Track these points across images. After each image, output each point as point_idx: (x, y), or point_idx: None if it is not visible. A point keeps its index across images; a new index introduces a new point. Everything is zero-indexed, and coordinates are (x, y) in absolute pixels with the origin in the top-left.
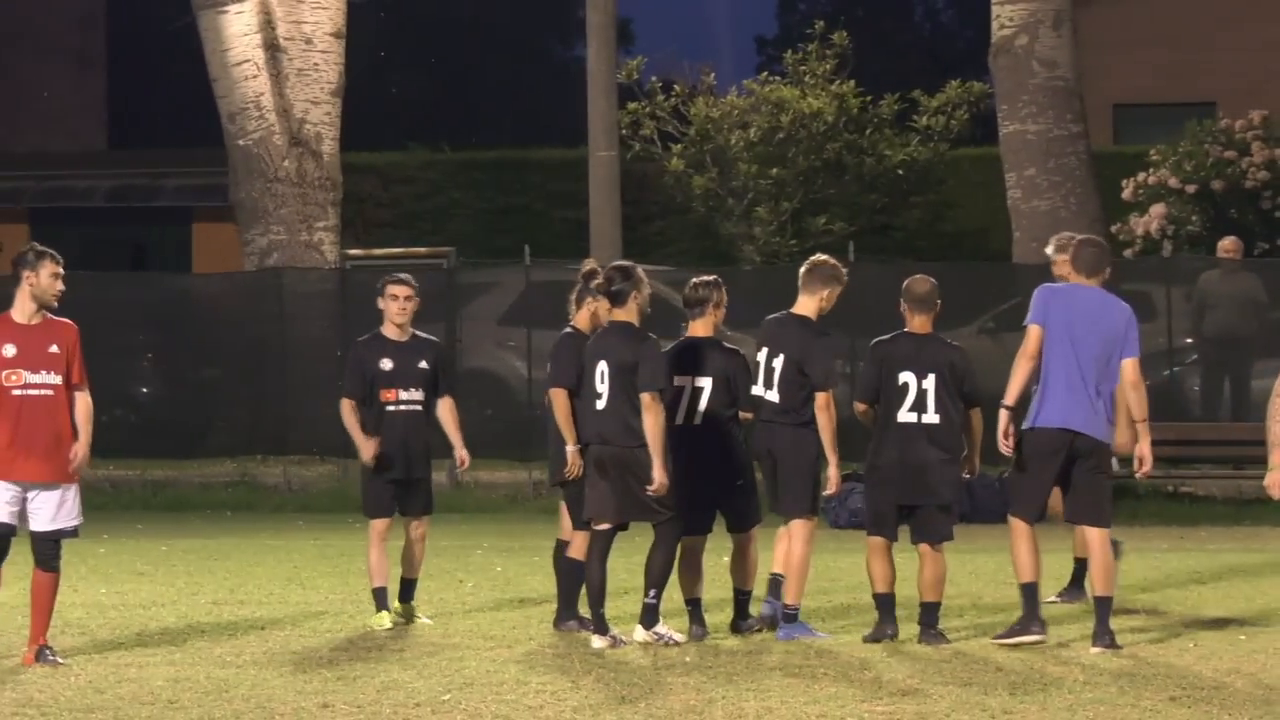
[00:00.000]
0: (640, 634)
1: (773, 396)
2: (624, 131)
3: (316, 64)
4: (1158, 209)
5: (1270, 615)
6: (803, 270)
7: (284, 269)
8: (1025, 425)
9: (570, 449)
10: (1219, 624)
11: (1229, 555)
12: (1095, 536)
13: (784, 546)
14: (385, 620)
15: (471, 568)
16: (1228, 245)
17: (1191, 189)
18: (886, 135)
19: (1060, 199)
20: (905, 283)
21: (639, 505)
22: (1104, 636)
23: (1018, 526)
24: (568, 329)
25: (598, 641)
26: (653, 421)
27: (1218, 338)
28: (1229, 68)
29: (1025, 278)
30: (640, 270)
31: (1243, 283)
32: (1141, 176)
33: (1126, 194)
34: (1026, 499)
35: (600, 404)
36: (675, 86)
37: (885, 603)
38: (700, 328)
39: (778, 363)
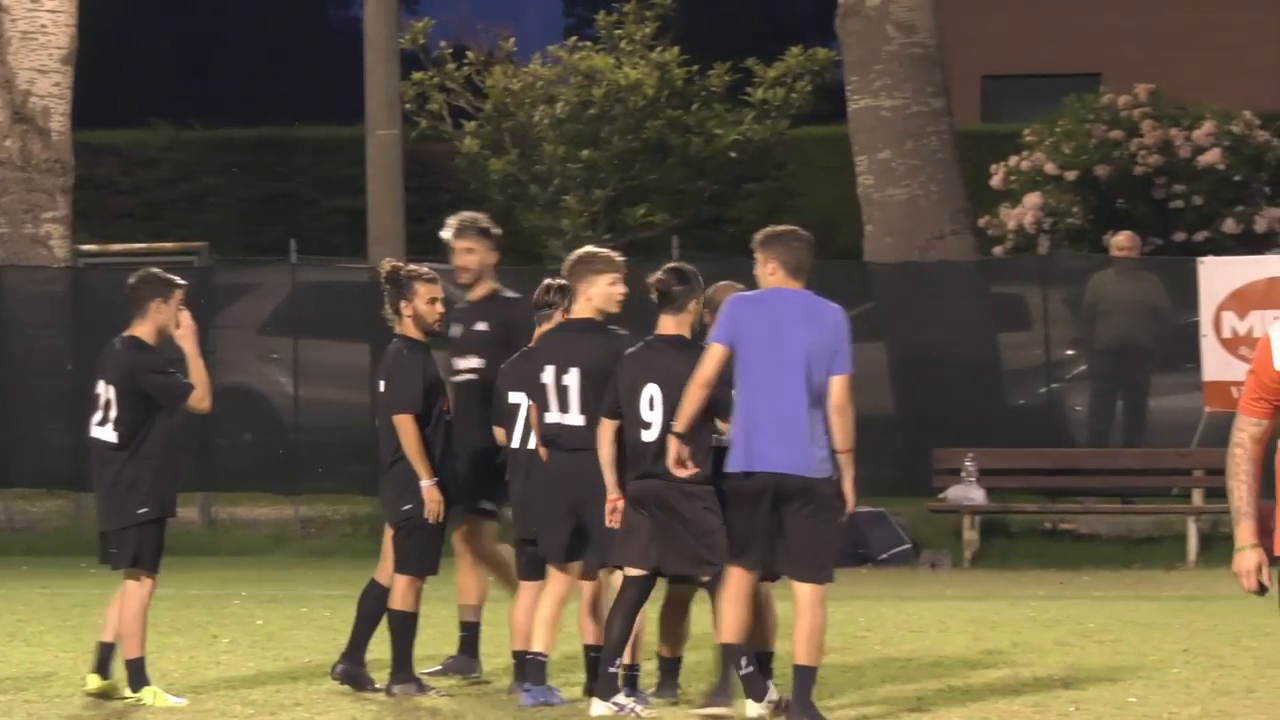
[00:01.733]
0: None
1: (573, 419)
2: (408, 106)
3: (44, 25)
4: (1033, 198)
5: (1164, 673)
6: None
7: (4, 267)
8: (726, 468)
9: (426, 484)
10: (1105, 685)
11: (1117, 603)
12: (806, 594)
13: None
14: None
15: (227, 621)
16: (1123, 242)
17: (1072, 175)
18: (717, 111)
19: (919, 186)
20: (709, 290)
21: (683, 554)
22: (801, 715)
23: (732, 575)
24: (402, 339)
25: (599, 707)
26: None
27: (1111, 349)
28: (1115, 35)
29: (880, 278)
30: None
31: (1141, 285)
32: (1014, 160)
33: (996, 181)
34: (741, 548)
35: (648, 434)
36: (469, 53)
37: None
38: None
39: (571, 379)
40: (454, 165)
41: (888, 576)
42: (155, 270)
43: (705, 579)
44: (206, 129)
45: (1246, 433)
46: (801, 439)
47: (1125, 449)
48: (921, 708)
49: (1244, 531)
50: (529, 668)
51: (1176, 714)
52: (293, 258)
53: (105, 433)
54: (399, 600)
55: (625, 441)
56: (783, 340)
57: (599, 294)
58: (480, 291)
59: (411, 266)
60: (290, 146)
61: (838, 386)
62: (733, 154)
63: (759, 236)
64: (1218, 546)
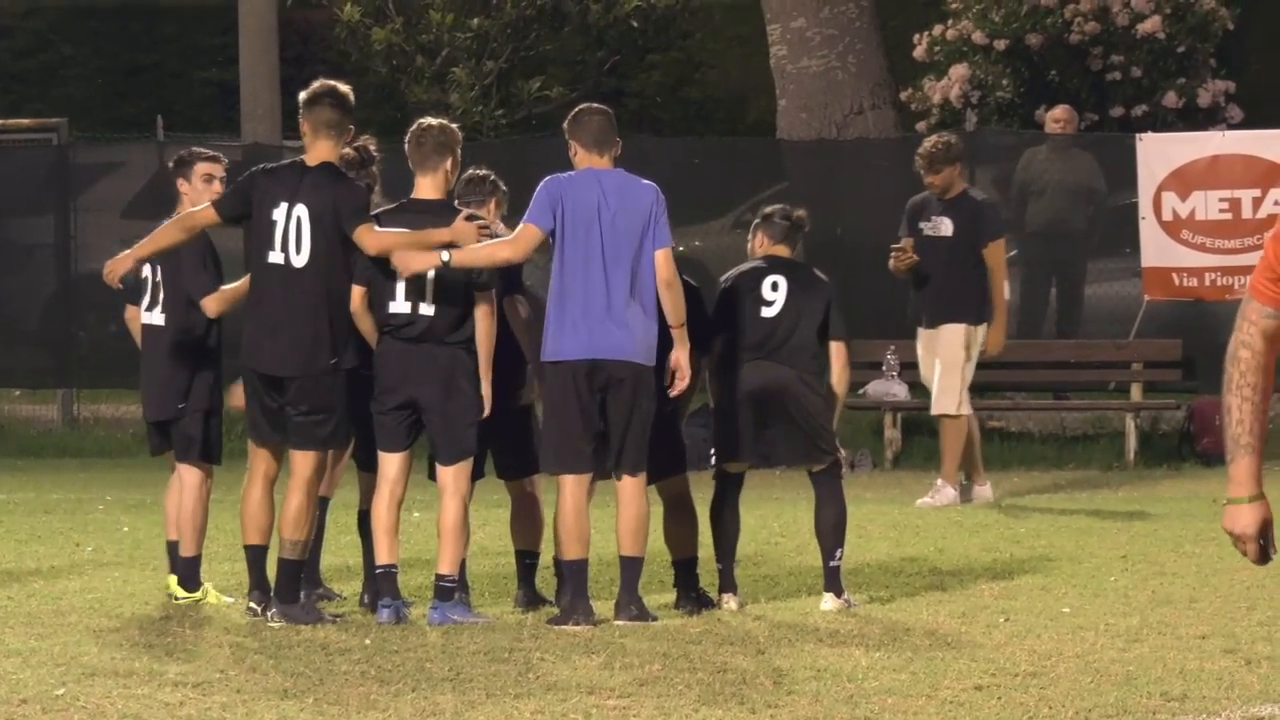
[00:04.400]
0: (830, 603)
1: (427, 309)
2: None
3: None
4: (959, 70)
5: (1101, 582)
6: (411, 141)
7: None
8: (543, 357)
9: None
10: (1037, 595)
11: (1050, 506)
12: (628, 487)
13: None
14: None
15: (91, 527)
16: (1059, 114)
17: (1001, 45)
18: None
19: (836, 58)
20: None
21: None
22: (629, 607)
23: (565, 484)
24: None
25: (732, 602)
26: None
27: (1044, 232)
28: None
29: (794, 156)
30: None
31: (1076, 164)
32: (938, 29)
33: (920, 52)
34: (566, 449)
35: None
36: None
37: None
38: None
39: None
40: (333, 34)
41: (802, 479)
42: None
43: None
44: None
45: (1258, 327)
46: (631, 325)
47: (1059, 340)
48: (839, 619)
49: (1241, 473)
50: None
51: (1114, 625)
52: (159, 135)
53: (154, 316)
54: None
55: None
56: (598, 221)
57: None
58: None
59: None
60: (155, 14)
61: (662, 260)
62: (634, 22)
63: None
64: (1158, 445)
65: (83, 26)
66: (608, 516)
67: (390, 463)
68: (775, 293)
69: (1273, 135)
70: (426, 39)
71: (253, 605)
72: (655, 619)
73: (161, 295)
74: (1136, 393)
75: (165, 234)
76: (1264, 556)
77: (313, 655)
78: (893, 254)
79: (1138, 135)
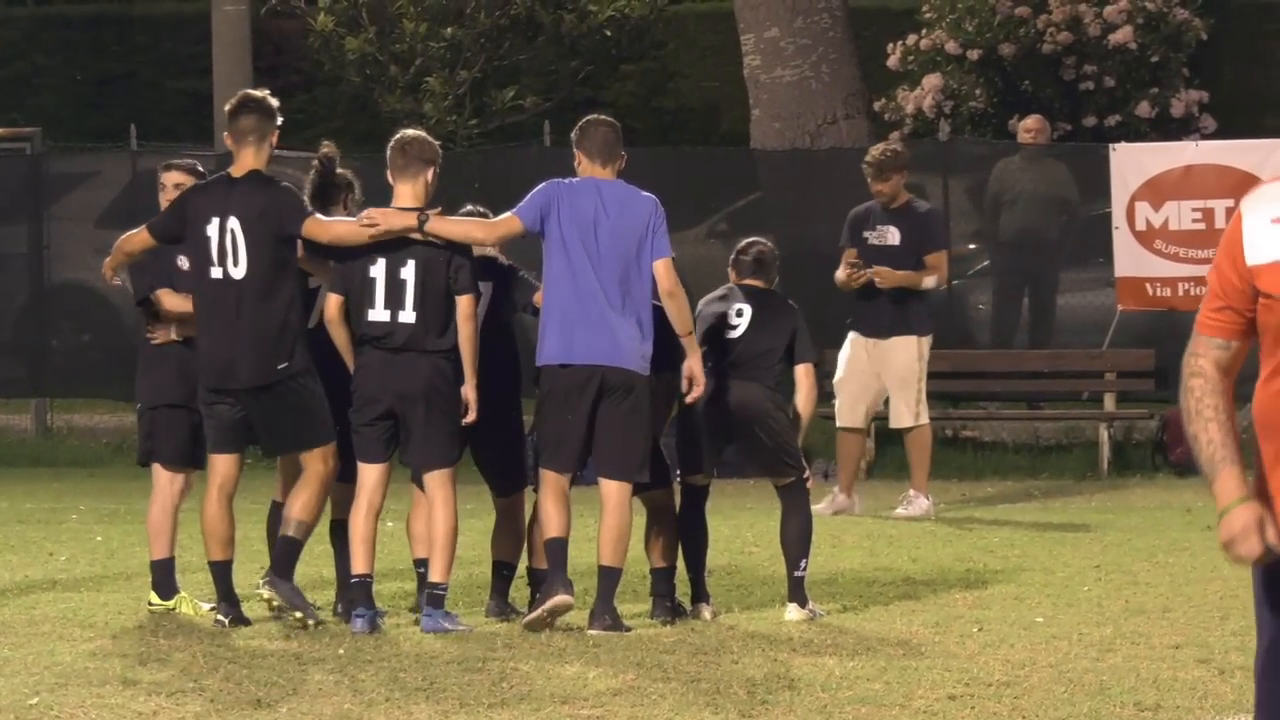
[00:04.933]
0: (794, 613)
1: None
2: None
3: None
4: (932, 80)
5: (1074, 591)
6: (394, 149)
7: None
8: (538, 361)
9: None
10: (1010, 604)
11: (1024, 516)
12: (613, 494)
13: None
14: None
15: (64, 537)
16: (1031, 124)
17: (974, 55)
18: None
19: (809, 68)
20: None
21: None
22: (604, 617)
23: (547, 479)
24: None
25: (706, 612)
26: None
27: (1016, 242)
28: None
29: (767, 166)
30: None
31: (1048, 173)
32: (912, 39)
33: (893, 61)
34: (554, 447)
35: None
36: None
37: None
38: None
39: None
40: (307, 44)
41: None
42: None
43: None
44: (37, 4)
45: (1208, 358)
46: (628, 331)
47: (1032, 350)
48: (813, 629)
49: (1226, 482)
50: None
51: (1087, 635)
52: (133, 144)
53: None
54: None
55: None
56: (594, 229)
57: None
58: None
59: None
60: (129, 23)
61: (661, 272)
62: (608, 32)
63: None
64: (1131, 454)
65: (56, 36)
66: (584, 525)
67: (369, 473)
68: (740, 318)
69: (1246, 145)
70: (400, 48)
71: (220, 618)
72: (629, 629)
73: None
74: (1110, 402)
75: (118, 257)
76: (1266, 550)
77: (286, 665)
78: (846, 266)
79: (1111, 145)
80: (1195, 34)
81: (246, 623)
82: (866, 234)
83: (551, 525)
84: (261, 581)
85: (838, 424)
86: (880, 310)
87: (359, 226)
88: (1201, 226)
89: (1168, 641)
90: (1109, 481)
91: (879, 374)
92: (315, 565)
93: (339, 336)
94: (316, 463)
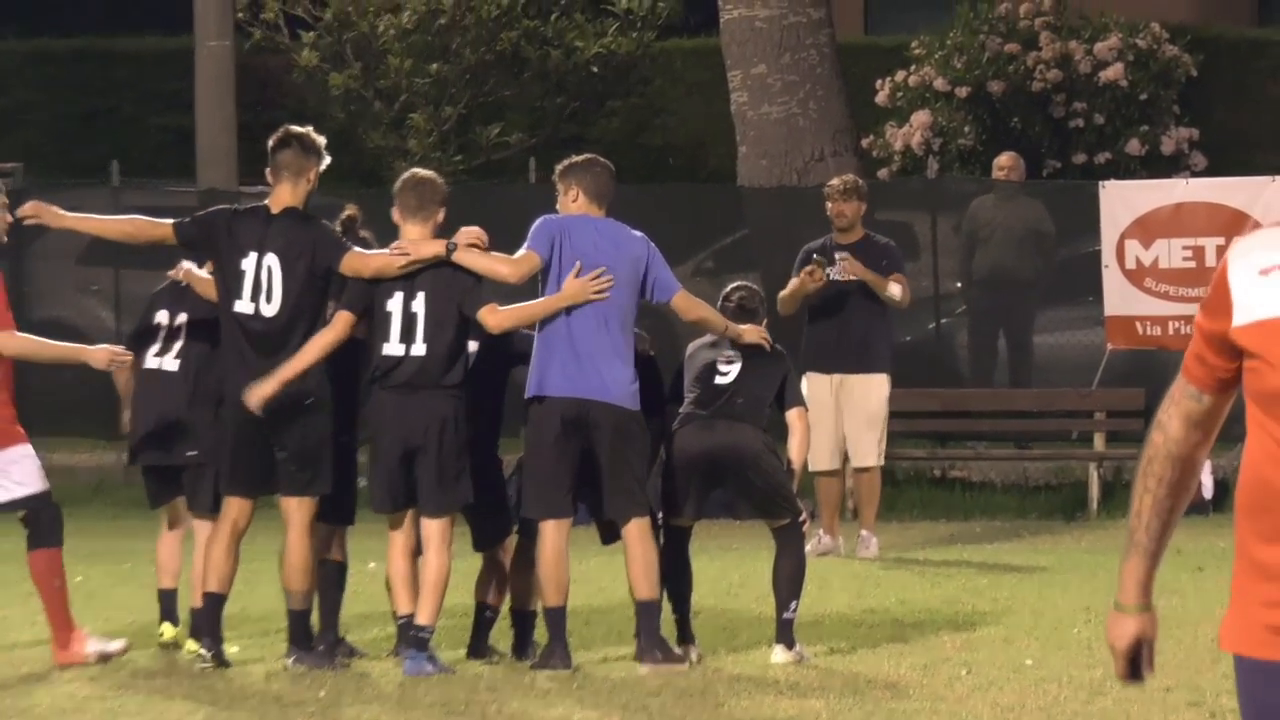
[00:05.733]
0: (781, 655)
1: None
2: (240, 15)
3: None
4: (921, 117)
5: (1064, 633)
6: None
7: None
8: (527, 393)
9: None
10: (999, 647)
11: (1012, 557)
12: (633, 531)
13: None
14: None
15: None
16: (1003, 162)
17: (963, 92)
18: (577, 21)
19: (797, 104)
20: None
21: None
22: (654, 652)
23: (545, 531)
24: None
25: (691, 653)
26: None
27: (990, 279)
28: None
29: (754, 203)
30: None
31: (1023, 210)
32: (901, 75)
33: (882, 98)
34: (547, 491)
35: None
36: None
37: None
38: None
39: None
40: (291, 80)
41: (763, 528)
42: None
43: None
44: (19, 39)
45: (1178, 410)
46: (619, 367)
47: (1021, 390)
48: (799, 671)
49: (1131, 575)
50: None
51: (1077, 677)
52: (115, 180)
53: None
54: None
55: None
56: (591, 265)
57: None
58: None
59: None
60: (112, 58)
61: (682, 306)
62: (594, 68)
63: (558, 169)
64: (1121, 495)
65: (38, 71)
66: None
67: (397, 519)
68: (730, 365)
69: (1237, 183)
70: (385, 84)
71: (203, 652)
72: (684, 660)
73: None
74: (1099, 442)
75: (117, 224)
76: (1134, 674)
77: (267, 707)
78: (804, 274)
79: (1101, 182)
80: (1185, 71)
81: (227, 664)
82: (828, 270)
83: (551, 589)
84: (290, 662)
85: (811, 468)
86: (846, 344)
87: (392, 258)
88: (1192, 265)
89: (1159, 684)
90: (1098, 522)
91: (843, 410)
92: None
93: (334, 347)
94: (300, 513)
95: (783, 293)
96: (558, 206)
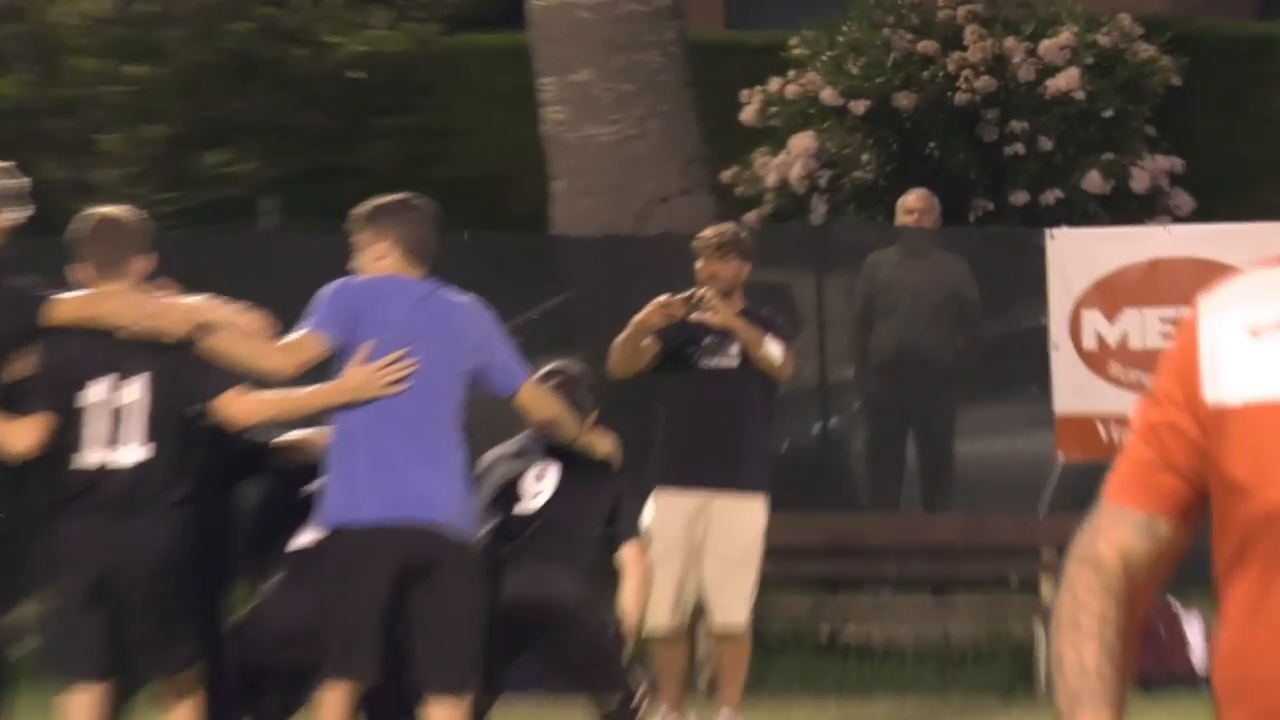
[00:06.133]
0: None
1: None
2: None
3: None
4: (802, 141)
5: None
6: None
7: None
8: (319, 522)
9: None
10: None
11: None
12: (441, 716)
13: None
14: None
15: None
16: (913, 203)
17: (860, 107)
18: (330, 9)
19: (633, 123)
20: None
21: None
22: None
23: (326, 700)
24: None
25: None
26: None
27: (895, 363)
28: None
29: (575, 258)
30: None
31: (940, 269)
32: (775, 85)
33: (749, 114)
34: (343, 645)
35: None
36: None
37: None
38: None
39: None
40: None
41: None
42: None
43: None
44: None
45: (1112, 540)
46: (445, 478)
47: (939, 516)
48: None
49: None
50: None
51: None
52: None
53: None
54: None
55: None
56: (401, 345)
57: None
58: None
59: None
60: None
61: (530, 401)
62: (356, 73)
63: (359, 213)
64: None
65: None
66: None
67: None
68: (541, 482)
69: (1233, 230)
70: (62, 93)
71: None
72: None
73: None
74: (1047, 588)
75: None
76: None
77: None
78: (655, 304)
79: (1048, 231)
80: (1164, 78)
81: None
82: (689, 351)
83: None
84: None
85: (649, 623)
86: (711, 450)
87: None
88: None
89: None
90: (1047, 700)
91: (703, 545)
92: None
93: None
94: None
95: (619, 337)
96: (357, 265)
